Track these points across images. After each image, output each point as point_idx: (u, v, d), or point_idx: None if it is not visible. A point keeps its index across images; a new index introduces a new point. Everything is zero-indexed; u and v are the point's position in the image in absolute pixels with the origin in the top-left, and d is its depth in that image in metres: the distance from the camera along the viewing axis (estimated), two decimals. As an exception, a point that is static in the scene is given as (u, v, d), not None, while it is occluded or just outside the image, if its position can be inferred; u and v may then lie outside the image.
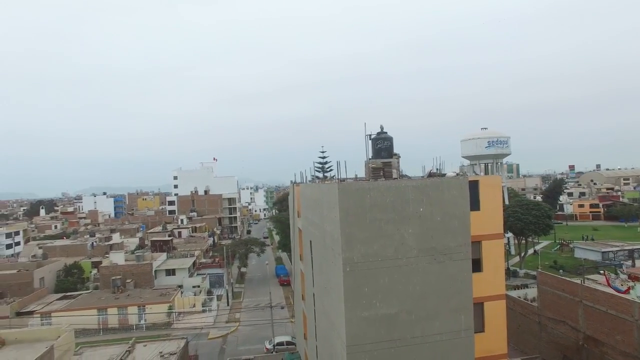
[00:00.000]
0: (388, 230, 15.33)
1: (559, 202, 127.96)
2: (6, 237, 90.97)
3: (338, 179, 20.09)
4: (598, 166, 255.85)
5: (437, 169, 21.93)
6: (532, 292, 36.97)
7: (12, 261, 71.14)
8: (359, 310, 15.11)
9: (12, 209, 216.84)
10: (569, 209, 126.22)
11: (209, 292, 59.64)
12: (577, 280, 28.86)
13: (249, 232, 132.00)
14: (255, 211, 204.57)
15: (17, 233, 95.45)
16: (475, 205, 18.28)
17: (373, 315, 15.24)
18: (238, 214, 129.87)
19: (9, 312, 44.37)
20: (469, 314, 16.37)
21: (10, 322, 41.74)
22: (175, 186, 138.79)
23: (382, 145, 21.88)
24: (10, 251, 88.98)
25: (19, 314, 45.29)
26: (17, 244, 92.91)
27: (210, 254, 78.12)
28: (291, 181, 32.87)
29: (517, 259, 67.48)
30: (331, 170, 63.93)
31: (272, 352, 37.11)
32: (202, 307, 52.14)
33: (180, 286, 56.31)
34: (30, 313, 45.73)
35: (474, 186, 18.39)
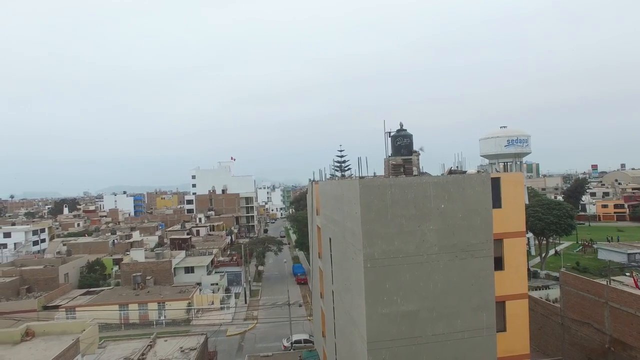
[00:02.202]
0: (409, 227, 15.28)
1: (581, 202, 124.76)
2: (33, 234, 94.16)
3: (359, 175, 20.10)
4: (623, 165, 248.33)
5: (457, 166, 21.74)
6: (553, 292, 36.19)
7: (38, 257, 73.45)
8: (379, 307, 15.10)
9: (37, 207, 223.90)
10: (592, 210, 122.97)
11: (227, 290, 60.38)
12: (602, 281, 28.15)
13: (265, 231, 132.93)
14: (272, 210, 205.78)
15: (42, 230, 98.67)
16: (496, 202, 18.04)
17: (394, 312, 15.21)
18: (255, 213, 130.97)
19: (36, 306, 45.95)
20: (490, 312, 16.18)
21: (38, 315, 43.21)
22: (194, 185, 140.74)
23: (402, 143, 21.80)
24: (36, 248, 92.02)
25: (45, 308, 46.82)
26: (43, 240, 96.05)
27: (228, 252, 79.01)
28: (310, 179, 33.03)
29: (537, 259, 66.15)
30: (349, 168, 63.96)
31: (290, 350, 37.33)
32: (221, 304, 52.78)
33: (199, 284, 57.09)
34: (56, 307, 47.20)
35: (495, 183, 18.16)
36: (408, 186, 15.36)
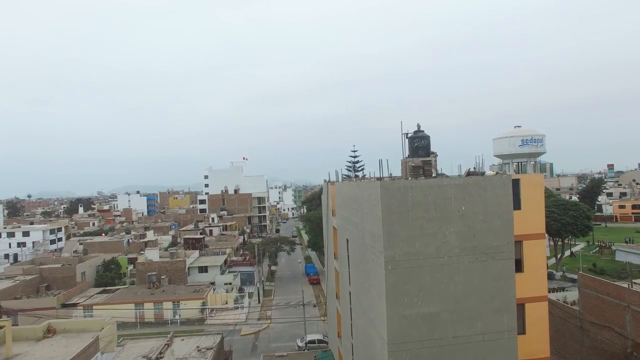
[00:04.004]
0: (430, 229, 15.27)
1: (598, 203, 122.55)
2: (50, 233, 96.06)
3: (377, 177, 20.11)
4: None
5: (474, 167, 21.58)
6: (571, 295, 35.73)
7: (56, 256, 74.90)
8: (400, 309, 15.11)
9: (53, 207, 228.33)
10: (608, 210, 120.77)
11: (240, 290, 60.78)
12: (622, 284, 27.68)
13: (277, 231, 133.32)
14: (284, 210, 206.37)
15: (59, 230, 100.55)
16: (516, 204, 17.92)
17: (414, 314, 15.21)
18: (267, 213, 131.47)
19: (55, 303, 46.89)
20: (511, 315, 16.07)
21: (57, 312, 44.10)
22: (206, 185, 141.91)
23: (420, 144, 21.76)
24: (53, 246, 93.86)
25: (64, 306, 47.75)
26: (60, 239, 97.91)
27: (241, 252, 79.53)
28: (325, 180, 33.10)
29: (552, 260, 65.25)
30: (362, 169, 63.89)
31: (304, 350, 37.46)
32: (234, 304, 53.18)
33: (213, 283, 57.58)
34: (74, 305, 48.11)
35: (515, 185, 18.03)
36: (429, 188, 15.34)
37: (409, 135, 22.51)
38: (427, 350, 15.29)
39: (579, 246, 78.84)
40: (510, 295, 16.10)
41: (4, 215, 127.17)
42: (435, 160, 21.59)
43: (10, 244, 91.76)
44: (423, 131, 22.71)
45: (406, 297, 15.10)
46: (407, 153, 22.63)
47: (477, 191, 15.72)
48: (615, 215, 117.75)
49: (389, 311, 15.03)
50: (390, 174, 22.83)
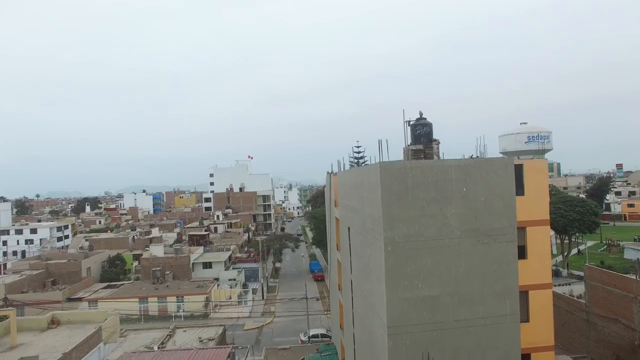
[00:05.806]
0: (430, 210, 15.06)
1: (606, 202, 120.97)
2: (57, 231, 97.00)
3: (380, 159, 19.90)
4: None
5: (477, 155, 21.33)
6: (577, 288, 35.27)
7: (62, 252, 75.48)
8: (400, 291, 14.93)
9: (61, 206, 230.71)
10: (617, 209, 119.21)
11: (245, 286, 60.78)
12: (631, 276, 27.19)
13: (282, 229, 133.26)
14: (289, 209, 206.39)
15: (66, 227, 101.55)
16: (519, 190, 17.62)
17: (415, 297, 15.01)
18: (272, 211, 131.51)
19: (61, 297, 47.26)
20: (514, 299, 15.82)
21: (62, 306, 44.40)
22: (212, 183, 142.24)
23: (422, 131, 21.58)
24: (60, 243, 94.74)
25: (69, 300, 48.10)
26: (67, 237, 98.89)
27: (246, 249, 79.58)
28: (328, 172, 32.97)
29: (559, 258, 64.50)
30: (366, 164, 63.46)
31: (307, 344, 37.31)
32: (238, 299, 53.17)
33: (217, 279, 57.65)
34: (79, 299, 48.43)
35: (518, 170, 17.74)
36: (429, 169, 15.15)
37: (411, 122, 22.34)
38: (428, 334, 15.08)
39: (584, 245, 77.82)
40: (513, 280, 15.84)
41: (12, 214, 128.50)
42: (438, 147, 21.39)
43: (18, 240, 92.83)
44: (425, 118, 22.53)
45: (406, 280, 14.91)
46: (409, 141, 22.46)
47: (478, 173, 15.49)
48: (624, 214, 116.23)
49: (389, 294, 14.85)
50: (393, 163, 22.63)
